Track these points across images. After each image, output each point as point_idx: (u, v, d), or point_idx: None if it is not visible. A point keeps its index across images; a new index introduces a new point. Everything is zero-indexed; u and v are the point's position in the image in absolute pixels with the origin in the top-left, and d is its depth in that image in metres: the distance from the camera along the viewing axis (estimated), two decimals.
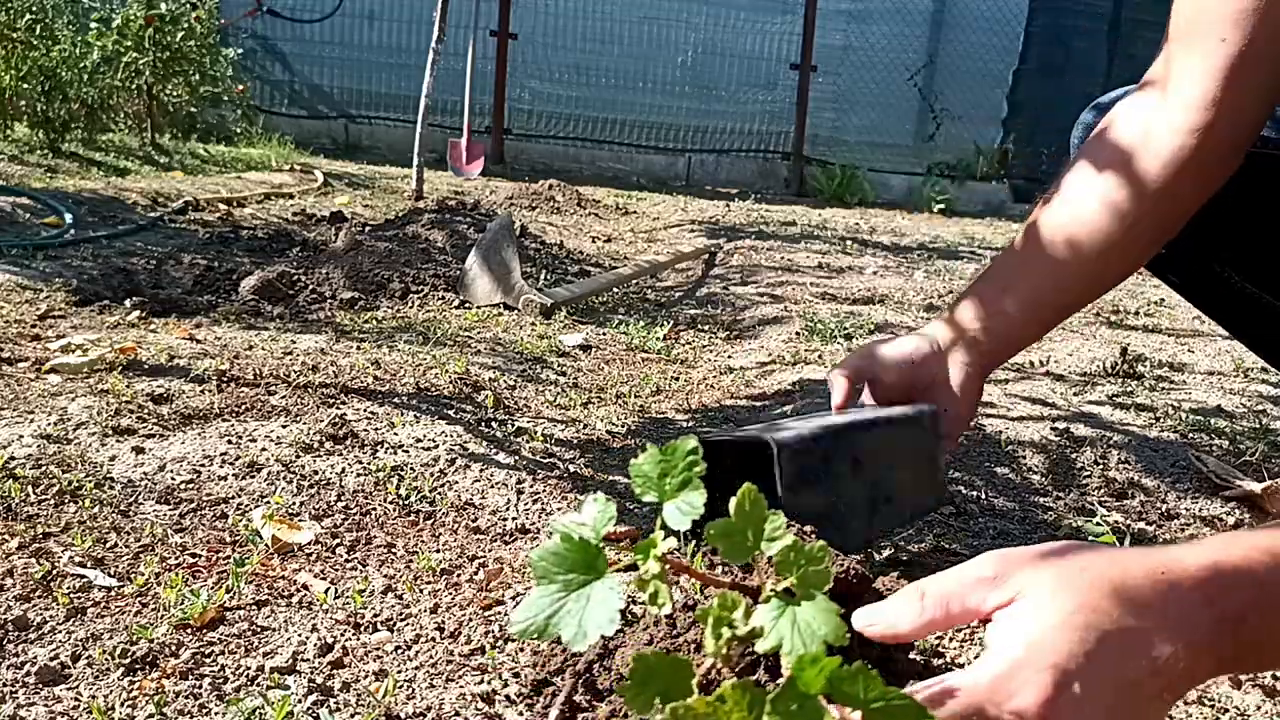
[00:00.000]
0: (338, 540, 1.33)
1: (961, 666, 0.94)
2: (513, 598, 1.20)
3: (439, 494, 1.49)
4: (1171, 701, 0.68)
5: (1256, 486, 1.65)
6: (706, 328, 2.95)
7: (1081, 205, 1.16)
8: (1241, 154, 1.10)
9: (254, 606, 1.14)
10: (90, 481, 1.40)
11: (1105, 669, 0.64)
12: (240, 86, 7.01)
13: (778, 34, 8.81)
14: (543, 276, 3.41)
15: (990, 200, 8.37)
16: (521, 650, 1.07)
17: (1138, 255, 1.20)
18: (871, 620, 0.75)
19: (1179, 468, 1.79)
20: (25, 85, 4.85)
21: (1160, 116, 1.09)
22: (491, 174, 7.22)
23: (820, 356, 2.58)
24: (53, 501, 1.34)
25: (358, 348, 2.24)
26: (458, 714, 0.96)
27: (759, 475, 1.27)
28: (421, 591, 1.20)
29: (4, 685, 0.95)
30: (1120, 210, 1.12)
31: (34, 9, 4.96)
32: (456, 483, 1.53)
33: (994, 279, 1.27)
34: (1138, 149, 1.10)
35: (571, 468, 1.64)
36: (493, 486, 1.53)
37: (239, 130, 7.19)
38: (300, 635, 1.08)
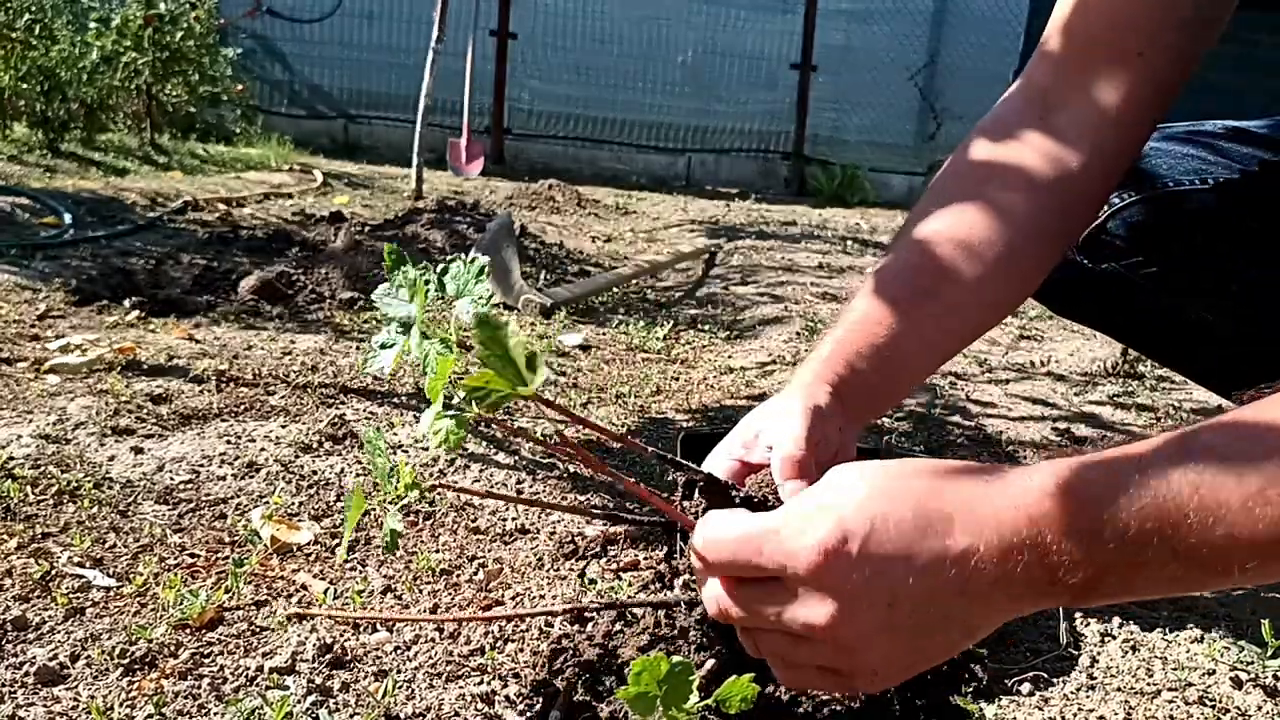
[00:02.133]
0: (337, 540, 1.32)
1: None
2: (512, 598, 1.20)
3: (439, 494, 1.48)
4: (980, 611, 0.66)
5: None
6: (706, 328, 2.95)
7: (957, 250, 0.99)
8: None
9: (253, 607, 1.13)
10: (89, 482, 1.40)
11: (896, 540, 0.65)
12: (239, 86, 7.01)
13: (778, 33, 8.80)
14: (542, 276, 3.41)
15: None
16: (521, 650, 1.07)
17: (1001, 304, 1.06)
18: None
19: None
20: (24, 85, 4.85)
21: (1049, 138, 0.98)
22: (491, 174, 7.22)
23: None
24: (51, 501, 1.34)
25: (357, 348, 2.24)
26: (457, 714, 0.96)
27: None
28: (421, 592, 1.20)
29: (3, 685, 0.95)
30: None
31: (33, 9, 4.96)
32: (456, 483, 1.53)
33: (867, 329, 1.02)
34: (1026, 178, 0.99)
35: (571, 468, 1.64)
36: (492, 486, 1.53)
37: (238, 130, 7.19)
38: (299, 635, 1.08)
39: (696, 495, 0.81)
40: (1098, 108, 0.97)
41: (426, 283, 0.77)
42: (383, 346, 0.78)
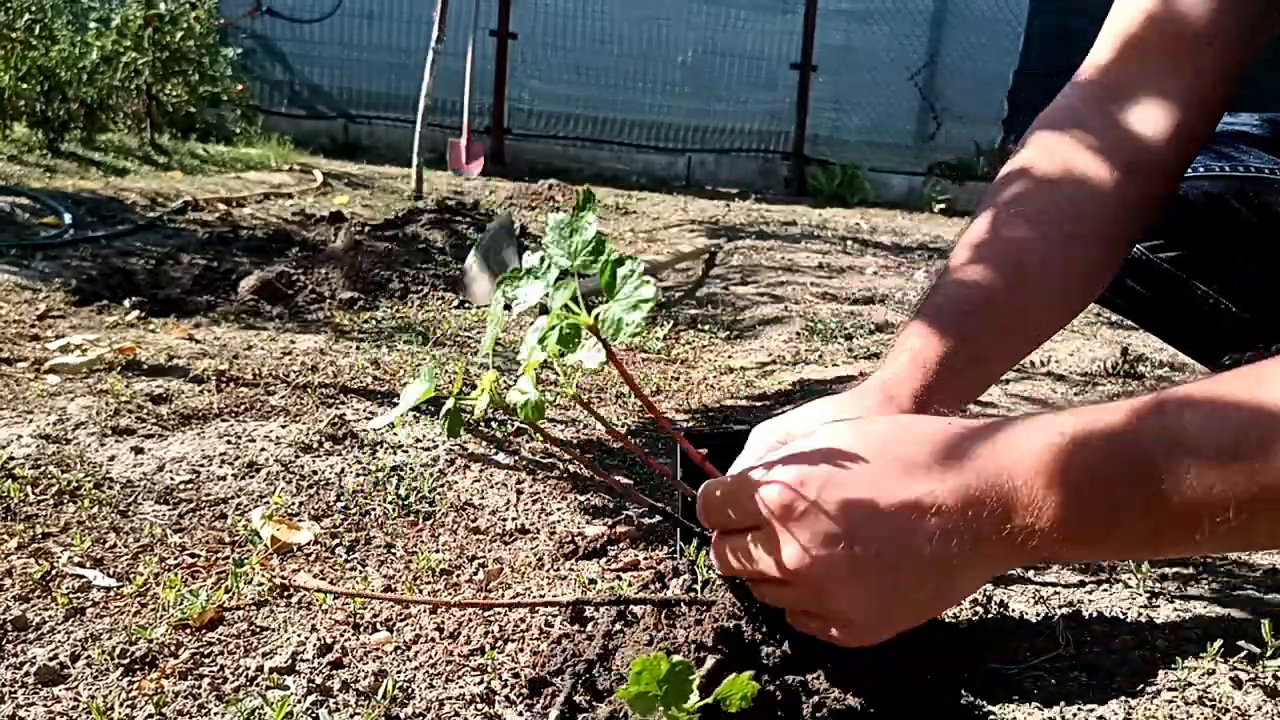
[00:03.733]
0: (337, 540, 1.32)
1: None
2: (513, 598, 1.20)
3: (438, 494, 1.48)
4: (954, 564, 0.65)
5: None
6: (707, 328, 2.95)
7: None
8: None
9: (253, 607, 1.13)
10: (89, 482, 1.40)
11: (859, 484, 0.66)
12: (239, 86, 7.01)
13: (778, 33, 8.80)
14: None
15: None
16: (521, 650, 1.07)
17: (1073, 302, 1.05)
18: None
19: None
20: (24, 85, 4.85)
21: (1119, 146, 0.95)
22: (491, 174, 7.22)
23: (820, 356, 2.58)
24: (52, 501, 1.34)
25: (357, 348, 2.24)
26: (457, 714, 0.96)
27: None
28: (421, 592, 1.20)
29: (3, 685, 0.95)
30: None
31: (33, 9, 4.96)
32: (456, 483, 1.53)
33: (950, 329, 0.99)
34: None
35: (571, 468, 1.64)
36: (492, 487, 1.53)
37: (238, 130, 7.18)
38: (299, 635, 1.08)
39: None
40: (1166, 99, 0.95)
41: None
42: (531, 276, 0.76)
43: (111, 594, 1.14)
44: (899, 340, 0.95)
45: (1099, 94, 0.98)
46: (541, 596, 1.21)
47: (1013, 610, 1.23)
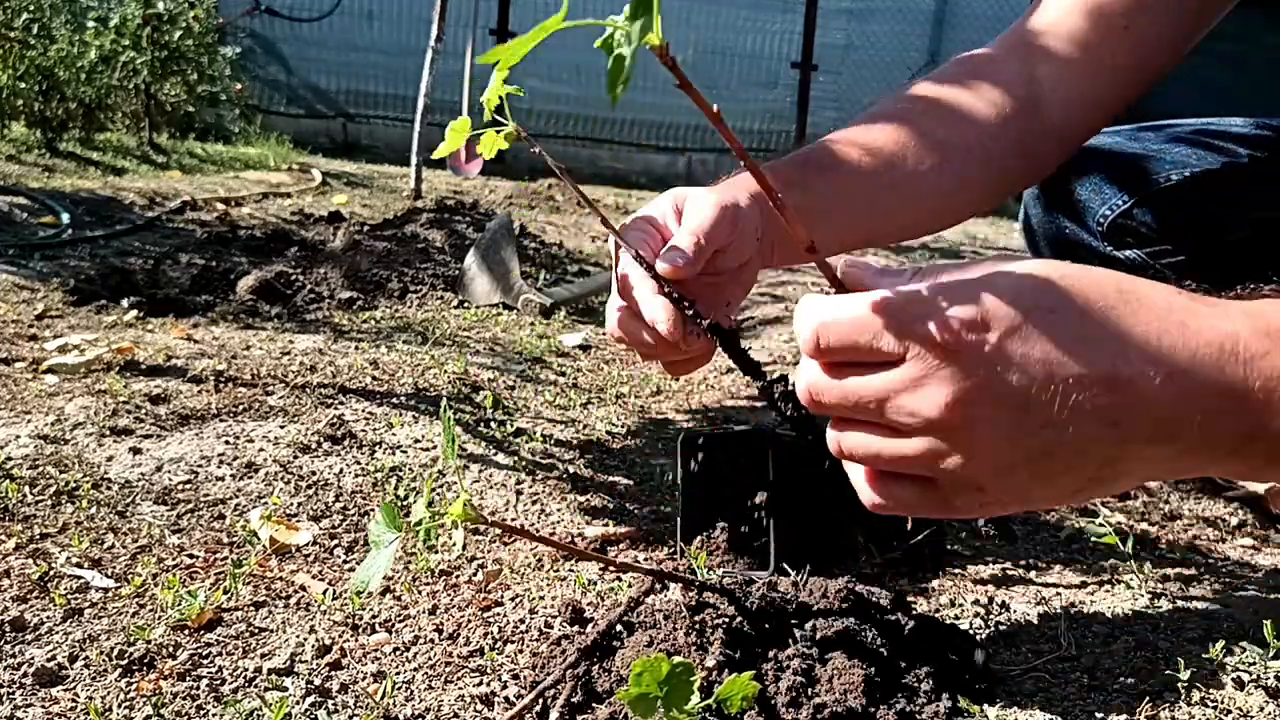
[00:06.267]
0: (336, 541, 1.32)
1: None
2: (512, 599, 1.19)
3: (438, 495, 1.48)
4: (1130, 454, 0.55)
5: (1260, 487, 1.65)
6: None
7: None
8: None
9: (251, 608, 1.13)
10: (87, 482, 1.40)
11: (1052, 340, 0.54)
12: (238, 86, 7.00)
13: (778, 32, 8.80)
14: (542, 276, 3.41)
15: None
16: (521, 652, 1.07)
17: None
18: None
19: None
20: (22, 84, 4.84)
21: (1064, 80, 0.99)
22: (490, 173, 7.21)
23: None
24: (50, 502, 1.34)
25: (356, 348, 2.23)
26: (456, 716, 0.95)
27: (755, 463, 1.29)
28: (420, 593, 1.19)
29: (1, 686, 0.95)
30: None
31: (31, 8, 4.95)
32: (455, 483, 1.52)
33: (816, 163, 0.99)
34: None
35: (571, 469, 1.64)
36: (491, 487, 1.53)
37: (237, 130, 7.18)
38: (298, 636, 1.07)
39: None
40: (1078, 68, 0.99)
41: None
42: None
43: (109, 595, 1.13)
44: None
45: (1015, 42, 1.04)
46: (541, 598, 1.20)
47: (1014, 611, 1.23)
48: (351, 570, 1.25)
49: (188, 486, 1.43)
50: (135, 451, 1.52)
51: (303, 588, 1.19)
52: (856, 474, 0.65)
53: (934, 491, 0.60)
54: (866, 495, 0.65)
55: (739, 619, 0.93)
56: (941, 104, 0.98)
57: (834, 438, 0.64)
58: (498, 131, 0.69)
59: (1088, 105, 1.01)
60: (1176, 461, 0.56)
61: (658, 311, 0.79)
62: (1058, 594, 1.30)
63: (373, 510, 1.41)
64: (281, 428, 1.65)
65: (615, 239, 0.84)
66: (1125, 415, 0.54)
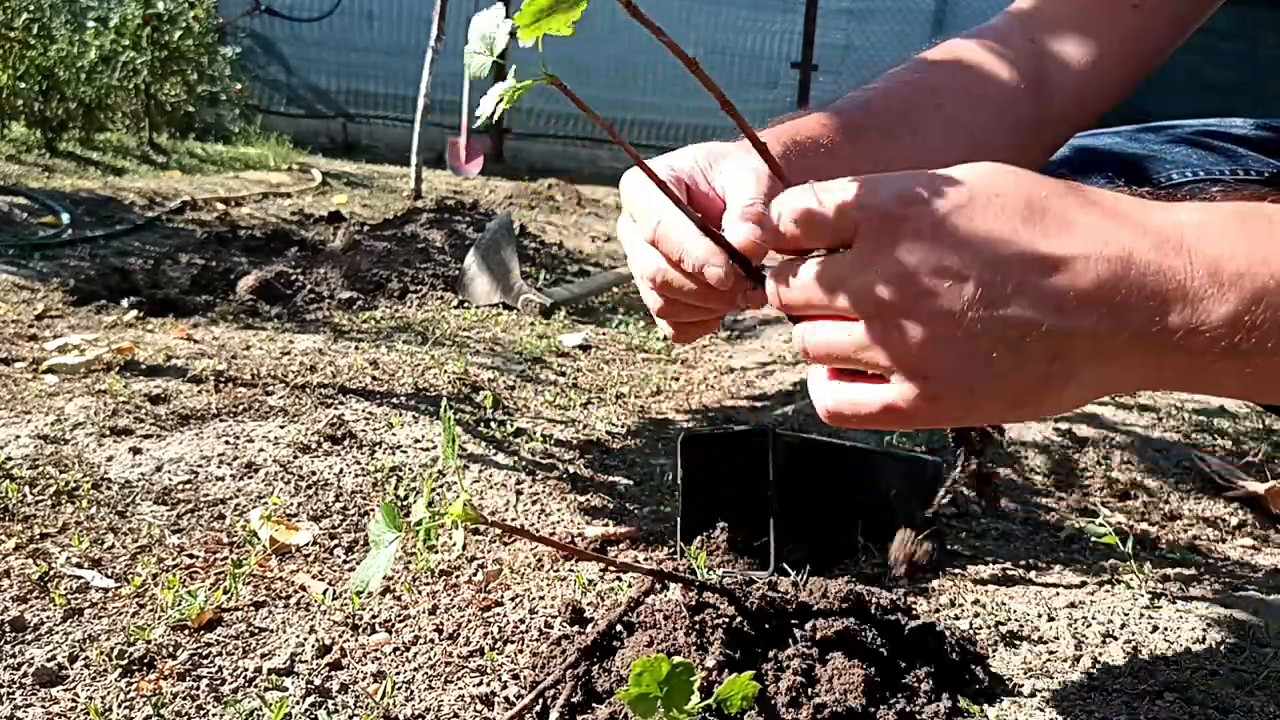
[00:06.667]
0: (336, 541, 1.32)
1: None
2: (512, 599, 1.19)
3: (438, 495, 1.48)
4: (1076, 346, 0.55)
5: (1260, 487, 1.65)
6: None
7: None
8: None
9: (251, 608, 1.13)
10: (87, 482, 1.40)
11: (995, 217, 0.55)
12: (238, 86, 7.00)
13: (778, 32, 8.80)
14: (542, 276, 3.41)
15: None
16: (521, 652, 1.07)
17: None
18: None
19: (1182, 468, 1.78)
20: (22, 84, 4.84)
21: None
22: (491, 173, 7.21)
23: None
24: (50, 502, 1.34)
25: (356, 348, 2.23)
26: (456, 716, 0.95)
27: (755, 463, 1.29)
28: (420, 593, 1.19)
29: (1, 686, 0.95)
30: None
31: (31, 8, 4.95)
32: (455, 483, 1.52)
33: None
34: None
35: (571, 468, 1.64)
36: (491, 487, 1.53)
37: (236, 129, 7.18)
38: (298, 636, 1.07)
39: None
40: (1086, 44, 0.97)
41: None
42: None
43: (110, 595, 1.13)
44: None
45: (1025, 19, 1.01)
46: (541, 598, 1.20)
47: (1014, 611, 1.23)
48: (351, 570, 1.25)
49: (188, 486, 1.43)
50: (135, 451, 1.52)
51: (303, 588, 1.19)
52: (818, 376, 0.65)
53: (886, 390, 0.60)
54: (821, 398, 0.64)
55: (739, 619, 0.93)
56: (959, 80, 0.97)
57: (798, 336, 0.64)
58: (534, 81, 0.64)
59: (1094, 85, 1.00)
60: (1128, 358, 0.56)
61: (711, 257, 0.72)
62: (1058, 594, 1.30)
63: (373, 510, 1.40)
64: (281, 428, 1.65)
65: (653, 180, 0.75)
66: (1067, 298, 0.54)
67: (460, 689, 0.99)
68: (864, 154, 0.88)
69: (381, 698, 0.97)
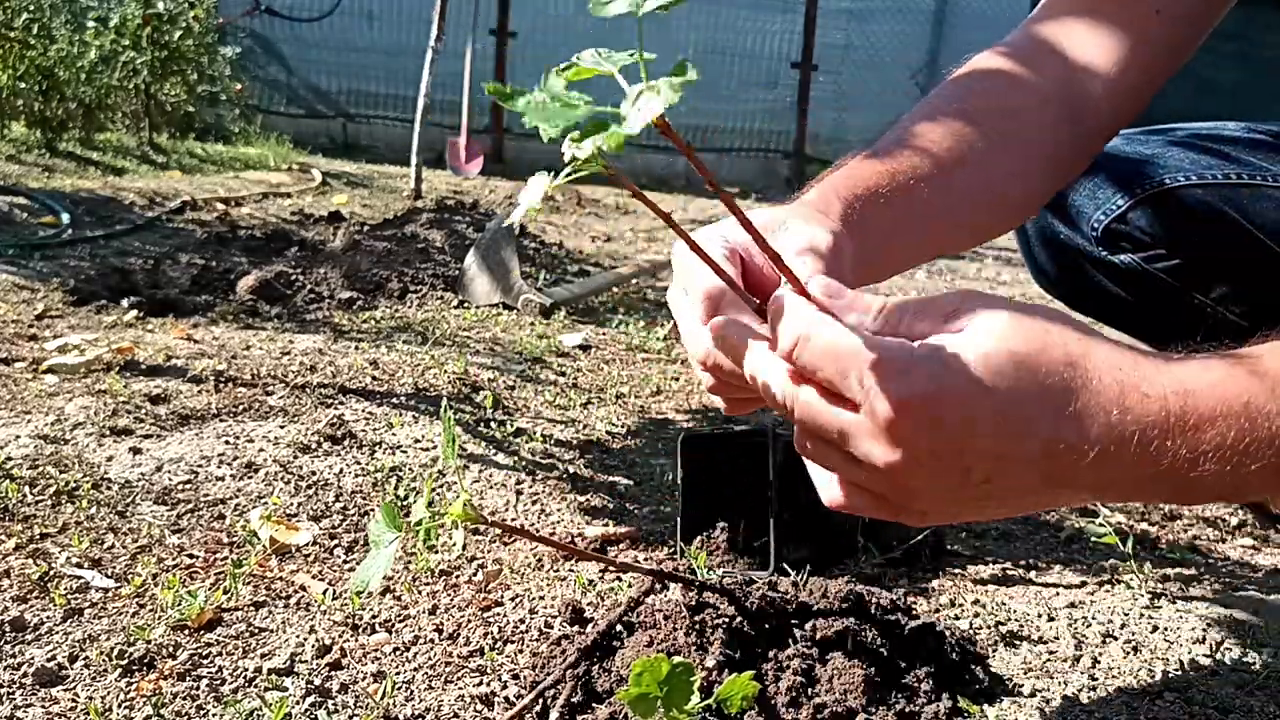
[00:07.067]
0: (336, 541, 1.32)
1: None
2: (512, 599, 1.19)
3: (438, 495, 1.48)
4: (1063, 495, 0.63)
5: None
6: None
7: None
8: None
9: (251, 608, 1.13)
10: (87, 482, 1.40)
11: (993, 434, 0.59)
12: (238, 86, 7.00)
13: (778, 32, 8.80)
14: (542, 276, 3.41)
15: None
16: (521, 652, 1.07)
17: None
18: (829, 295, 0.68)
19: None
20: (22, 84, 4.85)
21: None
22: (491, 173, 7.21)
23: None
24: (50, 502, 1.34)
25: (356, 348, 2.23)
26: (456, 716, 0.95)
27: (755, 463, 1.29)
28: (420, 593, 1.19)
29: (1, 686, 0.95)
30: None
31: (31, 8, 4.95)
32: (455, 483, 1.52)
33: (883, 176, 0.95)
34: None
35: (571, 468, 1.64)
36: (492, 487, 1.53)
37: (236, 129, 7.18)
38: (298, 636, 1.07)
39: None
40: (1113, 54, 0.97)
41: None
42: None
43: (110, 595, 1.13)
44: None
45: (1047, 32, 1.01)
46: (541, 598, 1.20)
47: (1014, 611, 1.23)
48: (351, 570, 1.25)
49: (188, 486, 1.43)
50: (135, 451, 1.52)
51: (303, 588, 1.19)
52: (817, 471, 0.69)
53: (886, 506, 0.66)
54: (826, 494, 0.69)
55: (739, 619, 0.93)
56: (997, 101, 0.97)
57: (798, 438, 0.68)
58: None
59: (1123, 94, 1.00)
60: (1104, 494, 0.65)
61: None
62: (1058, 594, 1.30)
63: (373, 510, 1.40)
64: (281, 428, 1.65)
65: (708, 263, 0.70)
66: (1060, 476, 0.61)
67: (460, 689, 0.99)
68: (916, 200, 0.90)
69: (381, 698, 0.97)
